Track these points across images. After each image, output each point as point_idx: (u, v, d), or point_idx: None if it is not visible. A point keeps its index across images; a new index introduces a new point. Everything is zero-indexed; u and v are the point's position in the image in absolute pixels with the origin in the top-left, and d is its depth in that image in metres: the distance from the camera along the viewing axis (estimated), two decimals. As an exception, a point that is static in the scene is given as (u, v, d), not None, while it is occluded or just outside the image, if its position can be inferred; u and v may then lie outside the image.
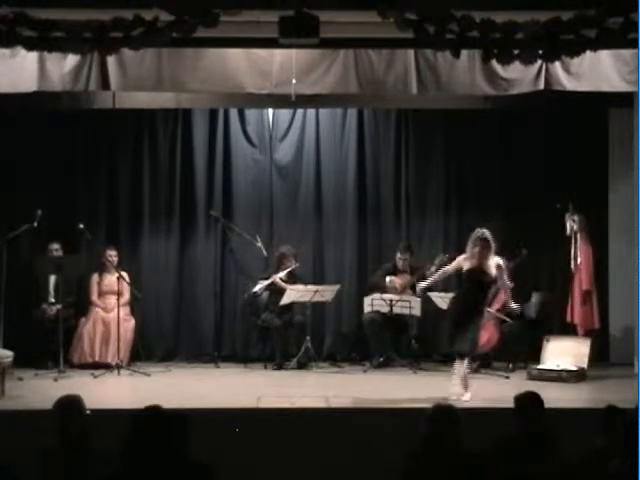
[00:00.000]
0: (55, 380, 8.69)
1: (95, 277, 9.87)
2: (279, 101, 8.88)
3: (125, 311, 9.69)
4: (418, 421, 4.51)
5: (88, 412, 4.75)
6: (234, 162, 10.33)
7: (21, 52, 7.23)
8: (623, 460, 4.26)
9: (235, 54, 7.97)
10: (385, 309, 9.32)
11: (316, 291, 9.55)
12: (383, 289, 9.64)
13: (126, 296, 9.71)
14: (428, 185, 10.37)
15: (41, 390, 7.98)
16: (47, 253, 9.60)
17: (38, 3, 6.45)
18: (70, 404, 4.68)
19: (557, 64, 7.69)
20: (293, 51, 7.77)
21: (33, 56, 7.52)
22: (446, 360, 9.63)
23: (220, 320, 10.22)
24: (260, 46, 7.62)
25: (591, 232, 9.59)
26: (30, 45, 6.70)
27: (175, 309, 10.24)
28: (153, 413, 4.53)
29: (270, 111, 10.27)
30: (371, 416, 7.17)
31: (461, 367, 7.75)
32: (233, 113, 10.29)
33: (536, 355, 9.12)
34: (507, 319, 9.37)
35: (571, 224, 9.43)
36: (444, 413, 4.52)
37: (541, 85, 7.90)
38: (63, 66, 7.71)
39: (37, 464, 4.50)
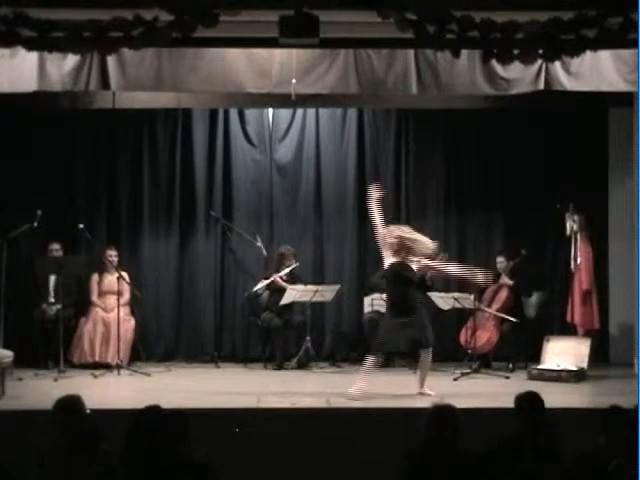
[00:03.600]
0: (55, 380, 8.68)
1: (95, 277, 9.88)
2: (279, 101, 8.89)
3: (125, 311, 9.69)
4: (418, 421, 4.51)
5: (88, 411, 4.75)
6: (234, 162, 10.33)
7: (21, 52, 7.23)
8: (623, 460, 4.26)
9: (235, 54, 7.97)
10: (385, 309, 9.31)
11: (316, 291, 9.54)
12: (383, 290, 9.62)
13: (126, 296, 9.71)
14: (428, 185, 10.37)
15: (41, 390, 7.98)
16: (47, 253, 9.61)
17: (38, 3, 6.44)
18: (70, 404, 4.67)
19: (557, 64, 7.70)
20: (293, 51, 7.77)
21: (33, 56, 7.52)
22: (446, 360, 9.68)
23: (220, 320, 10.23)
24: (260, 46, 7.62)
25: (591, 232, 9.60)
26: (30, 45, 6.68)
27: (175, 309, 10.25)
28: (153, 413, 4.54)
29: (270, 111, 10.28)
30: (371, 416, 7.17)
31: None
32: (233, 113, 10.29)
33: (536, 355, 9.12)
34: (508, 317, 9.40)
35: (571, 224, 9.44)
36: (444, 413, 4.52)
37: (541, 85, 7.90)
38: (63, 66, 7.71)
39: (37, 464, 4.50)
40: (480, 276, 8.24)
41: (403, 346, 8.03)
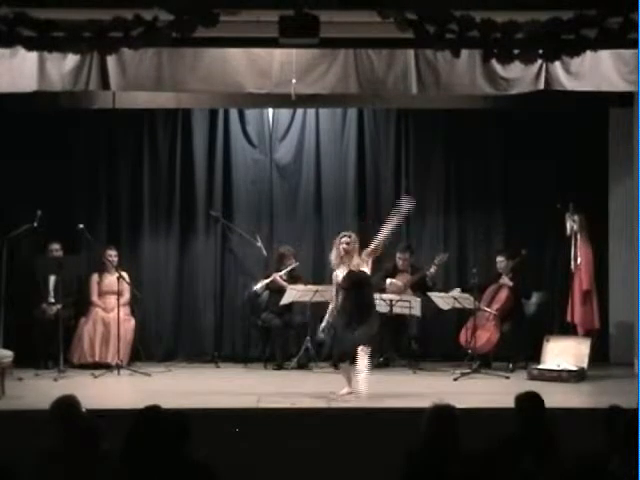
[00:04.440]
0: (55, 380, 8.69)
1: (95, 277, 9.87)
2: (279, 101, 8.89)
3: (125, 311, 9.69)
4: (418, 421, 4.51)
5: (84, 410, 4.75)
6: (234, 162, 10.33)
7: (21, 52, 7.23)
8: (623, 460, 4.26)
9: (235, 54, 7.98)
10: (385, 309, 9.31)
11: (316, 291, 9.53)
12: (383, 290, 9.62)
13: (126, 296, 9.71)
14: (428, 185, 10.37)
15: (41, 390, 7.98)
16: (47, 253, 9.61)
17: (38, 3, 6.45)
18: (67, 404, 4.67)
19: (557, 64, 7.71)
20: (293, 51, 7.77)
21: (33, 56, 7.53)
22: (446, 360, 9.69)
23: (220, 320, 10.23)
24: (260, 46, 7.63)
25: (591, 232, 9.59)
26: (30, 45, 6.69)
27: (175, 309, 10.25)
28: (153, 413, 4.54)
29: (270, 111, 10.27)
30: (371, 416, 7.17)
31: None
32: (233, 113, 10.29)
33: (536, 355, 9.12)
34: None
35: (571, 224, 9.44)
36: (444, 413, 4.52)
37: (541, 85, 7.91)
38: (63, 66, 7.73)
39: (37, 464, 4.50)
40: (401, 209, 8.06)
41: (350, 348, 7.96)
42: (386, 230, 7.99)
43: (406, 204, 8.06)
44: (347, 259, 7.87)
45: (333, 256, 7.98)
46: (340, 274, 7.89)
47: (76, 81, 7.79)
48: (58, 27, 6.46)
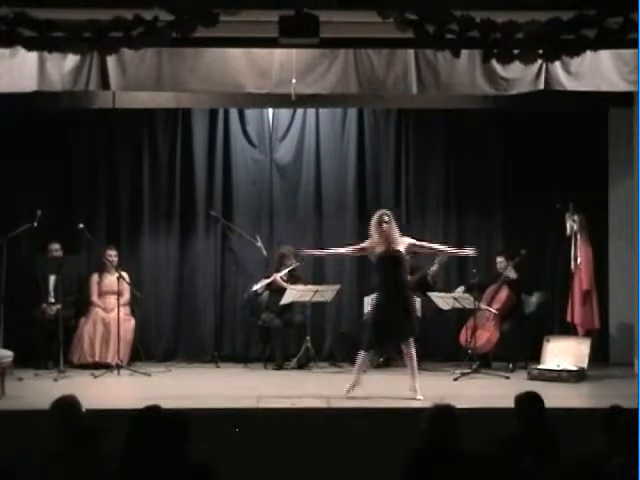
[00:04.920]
0: (55, 380, 8.69)
1: (95, 277, 9.87)
2: (279, 101, 8.89)
3: (125, 311, 9.69)
4: (418, 421, 4.51)
5: (84, 410, 4.75)
6: (234, 162, 10.33)
7: (21, 52, 7.23)
8: (623, 460, 4.26)
9: (235, 54, 7.98)
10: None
11: (316, 291, 9.55)
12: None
13: (126, 296, 9.71)
14: (428, 185, 10.37)
15: (41, 390, 7.98)
16: (47, 253, 9.61)
17: (38, 3, 6.45)
18: (67, 405, 4.67)
19: (557, 64, 7.71)
20: (293, 51, 7.77)
21: (33, 56, 7.53)
22: (446, 360, 9.69)
23: (220, 320, 10.23)
24: (260, 46, 7.62)
25: (591, 232, 9.59)
26: (30, 45, 6.68)
27: (175, 309, 10.25)
28: (153, 413, 4.54)
29: (270, 111, 10.28)
30: (371, 416, 7.17)
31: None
32: (233, 113, 10.29)
33: (536, 355, 9.12)
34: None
35: (571, 224, 9.44)
36: (444, 413, 4.52)
37: (541, 85, 7.91)
38: (63, 66, 7.73)
39: (37, 464, 4.50)
40: (467, 251, 8.42)
41: (392, 342, 8.15)
42: (435, 247, 8.45)
43: (468, 251, 8.41)
44: (387, 236, 7.87)
45: (375, 237, 7.93)
46: (378, 249, 7.91)
47: (76, 81, 7.79)
48: (58, 27, 6.46)
